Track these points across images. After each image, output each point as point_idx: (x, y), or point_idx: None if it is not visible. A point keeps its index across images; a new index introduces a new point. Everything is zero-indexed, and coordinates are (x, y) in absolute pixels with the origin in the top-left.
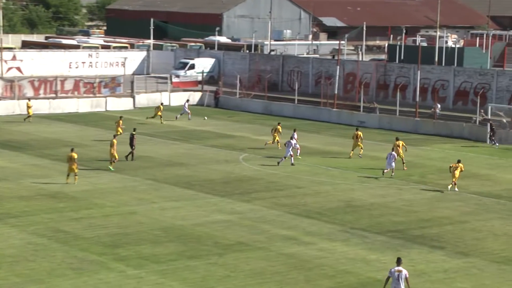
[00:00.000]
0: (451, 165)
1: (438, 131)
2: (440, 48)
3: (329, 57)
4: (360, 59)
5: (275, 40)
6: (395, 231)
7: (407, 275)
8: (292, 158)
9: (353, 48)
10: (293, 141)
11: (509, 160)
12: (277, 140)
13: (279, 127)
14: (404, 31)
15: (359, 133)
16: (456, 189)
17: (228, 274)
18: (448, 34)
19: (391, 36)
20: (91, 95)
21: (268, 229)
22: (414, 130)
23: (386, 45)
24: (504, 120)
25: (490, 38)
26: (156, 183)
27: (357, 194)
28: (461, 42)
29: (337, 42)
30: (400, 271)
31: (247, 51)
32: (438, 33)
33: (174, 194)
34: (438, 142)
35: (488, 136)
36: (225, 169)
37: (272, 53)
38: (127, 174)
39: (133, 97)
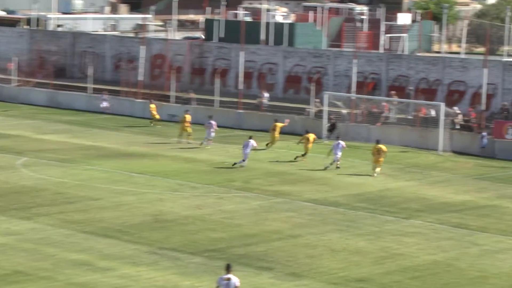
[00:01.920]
0: (372, 151)
1: (265, 125)
2: (267, 24)
3: (132, 34)
4: (170, 37)
5: (62, 13)
6: (214, 250)
7: (237, 284)
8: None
9: (161, 23)
10: (252, 141)
11: (349, 159)
12: None
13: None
14: (224, 3)
15: (278, 124)
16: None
17: None
18: (276, 6)
19: (208, 9)
20: None
21: (54, 253)
22: (237, 124)
23: (202, 20)
24: (344, 111)
25: (326, 12)
26: None
27: (168, 205)
28: (292, 17)
29: (141, 16)
30: (229, 279)
31: (26, 27)
32: (264, 5)
33: None
34: (264, 139)
35: (327, 129)
36: None
37: (59, 29)
38: None
39: None
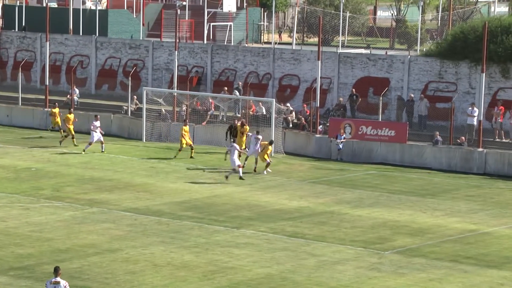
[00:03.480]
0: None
1: (78, 125)
2: (76, 11)
3: None
4: None
5: None
6: (20, 268)
7: (66, 287)
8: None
9: None
10: (235, 145)
11: (172, 164)
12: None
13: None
14: None
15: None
16: (266, 171)
17: None
18: None
19: None
20: None
21: None
22: (44, 125)
23: (0, 5)
24: (163, 110)
25: None
26: None
27: None
28: (104, 3)
29: None
30: (57, 283)
31: None
32: None
33: None
34: (78, 141)
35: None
36: None
37: None
38: None
39: None
